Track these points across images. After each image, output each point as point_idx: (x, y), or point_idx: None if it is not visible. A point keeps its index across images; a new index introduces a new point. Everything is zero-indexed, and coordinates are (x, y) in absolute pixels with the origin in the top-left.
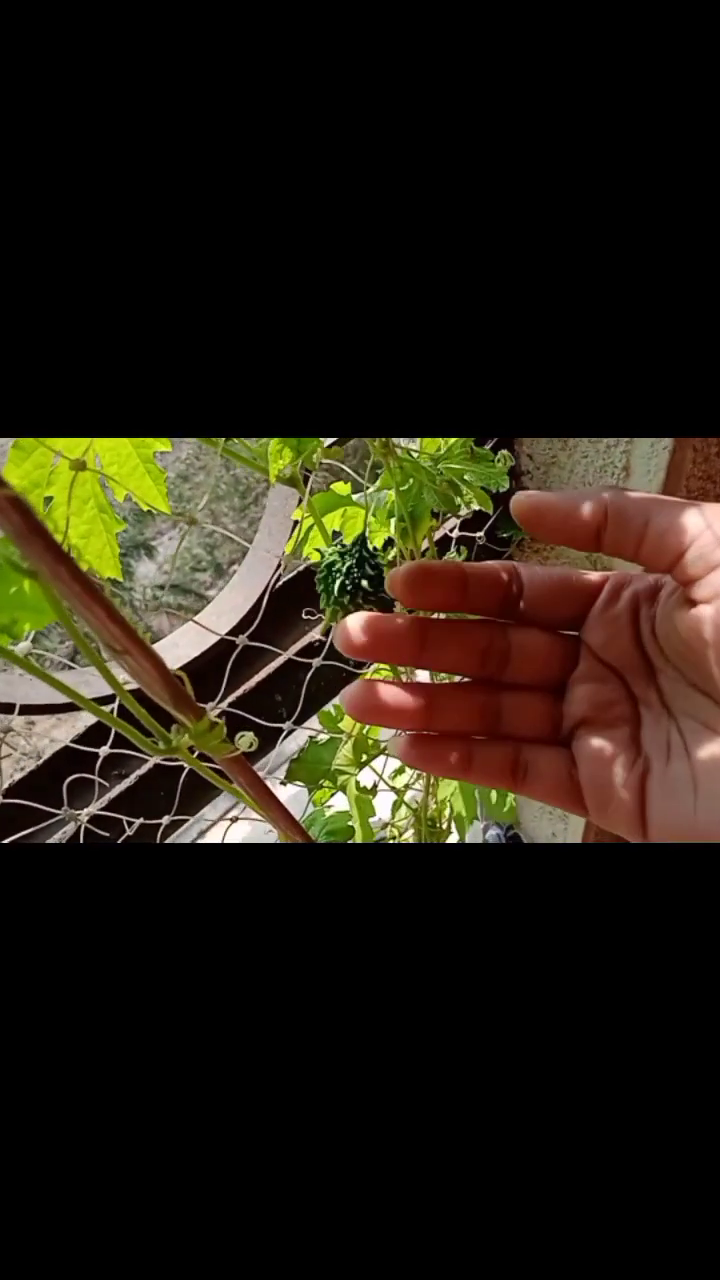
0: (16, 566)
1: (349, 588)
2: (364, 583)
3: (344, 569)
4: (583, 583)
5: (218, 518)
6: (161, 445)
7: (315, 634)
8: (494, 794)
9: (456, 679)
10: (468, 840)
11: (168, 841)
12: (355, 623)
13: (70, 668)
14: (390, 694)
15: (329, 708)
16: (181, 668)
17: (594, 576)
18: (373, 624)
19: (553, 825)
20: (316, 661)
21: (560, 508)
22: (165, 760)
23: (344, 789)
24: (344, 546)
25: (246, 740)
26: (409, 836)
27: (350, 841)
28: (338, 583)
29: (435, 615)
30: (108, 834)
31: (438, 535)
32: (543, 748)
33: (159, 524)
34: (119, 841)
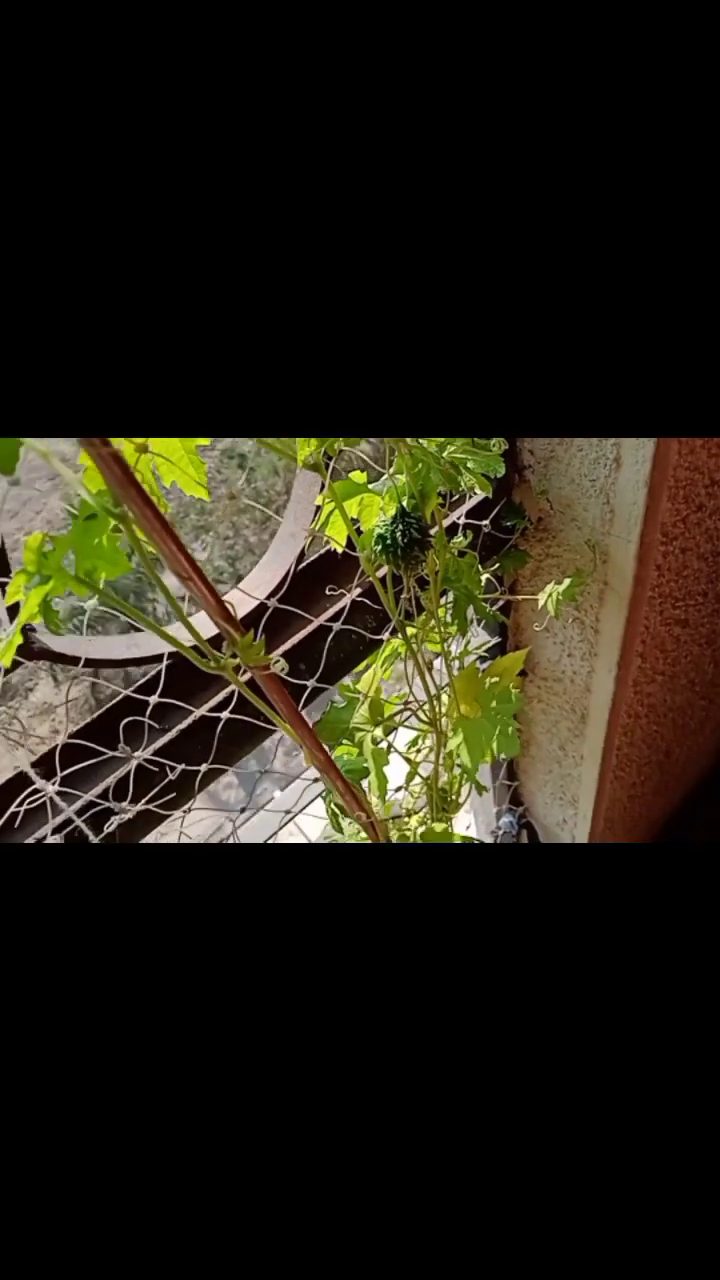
0: (110, 511)
1: (406, 541)
2: (415, 533)
3: (400, 530)
4: None
5: (239, 529)
6: (202, 440)
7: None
8: (496, 744)
9: None
10: (481, 821)
11: (207, 789)
12: None
13: (135, 629)
14: None
15: (346, 680)
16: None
17: None
18: None
19: (563, 811)
20: (336, 625)
21: None
22: (208, 712)
23: (361, 745)
24: (389, 518)
25: (280, 665)
26: (422, 805)
27: (365, 783)
28: (400, 539)
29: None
30: (156, 769)
31: (446, 523)
32: None
33: (184, 538)
34: (164, 783)
